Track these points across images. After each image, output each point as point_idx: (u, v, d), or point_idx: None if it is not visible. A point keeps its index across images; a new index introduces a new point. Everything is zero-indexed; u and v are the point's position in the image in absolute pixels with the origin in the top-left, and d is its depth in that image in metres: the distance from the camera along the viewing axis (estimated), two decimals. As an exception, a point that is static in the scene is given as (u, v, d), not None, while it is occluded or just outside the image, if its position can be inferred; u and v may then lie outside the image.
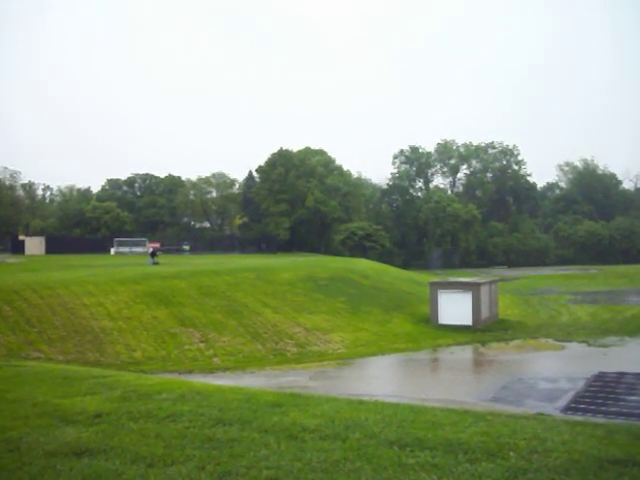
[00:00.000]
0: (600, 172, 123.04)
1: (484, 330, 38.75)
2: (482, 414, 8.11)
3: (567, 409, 19.37)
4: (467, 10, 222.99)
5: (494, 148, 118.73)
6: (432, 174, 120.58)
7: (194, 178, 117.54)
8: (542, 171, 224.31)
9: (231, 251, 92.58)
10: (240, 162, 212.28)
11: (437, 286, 42.21)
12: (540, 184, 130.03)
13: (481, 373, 28.74)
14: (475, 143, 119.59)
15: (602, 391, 21.87)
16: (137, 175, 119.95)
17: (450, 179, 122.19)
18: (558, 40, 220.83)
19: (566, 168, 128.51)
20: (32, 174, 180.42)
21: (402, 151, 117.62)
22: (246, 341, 31.27)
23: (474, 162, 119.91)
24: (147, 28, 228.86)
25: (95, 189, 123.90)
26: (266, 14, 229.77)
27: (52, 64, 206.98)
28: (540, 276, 79.12)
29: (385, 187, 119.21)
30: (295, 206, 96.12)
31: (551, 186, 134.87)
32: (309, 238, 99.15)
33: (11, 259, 62.32)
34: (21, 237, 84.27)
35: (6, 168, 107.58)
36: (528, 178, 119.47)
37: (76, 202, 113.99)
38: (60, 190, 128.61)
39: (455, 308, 39.88)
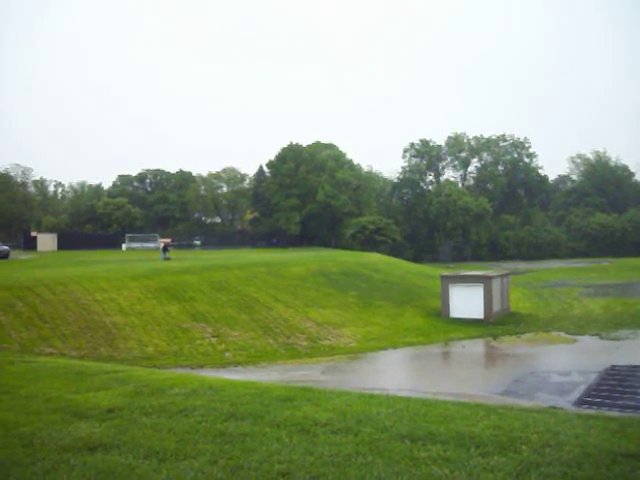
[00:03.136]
0: (612, 164, 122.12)
1: (496, 323, 38.64)
2: (494, 408, 8.09)
3: (579, 402, 19.31)
4: (477, 2, 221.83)
5: (505, 141, 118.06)
6: (443, 167, 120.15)
7: (205, 173, 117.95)
8: (554, 163, 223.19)
9: (242, 246, 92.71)
10: (250, 157, 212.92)
11: (448, 280, 42.12)
12: (552, 176, 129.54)
13: (493, 366, 28.67)
14: (486, 136, 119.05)
15: (614, 384, 21.78)
16: (148, 171, 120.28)
17: (461, 172, 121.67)
18: (569, 31, 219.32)
19: (578, 160, 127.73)
20: (43, 171, 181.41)
21: (412, 144, 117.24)
22: (258, 336, 31.33)
23: (485, 155, 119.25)
24: (157, 29, 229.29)
25: (106, 185, 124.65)
26: (275, 11, 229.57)
27: (63, 61, 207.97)
28: (552, 269, 78.72)
29: (396, 181, 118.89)
30: (306, 200, 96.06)
31: (563, 178, 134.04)
32: (320, 232, 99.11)
33: (23, 255, 62.67)
34: (33, 233, 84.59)
35: (17, 165, 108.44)
36: (540, 171, 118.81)
37: (87, 198, 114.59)
38: (71, 186, 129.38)
39: (466, 302, 39.81)
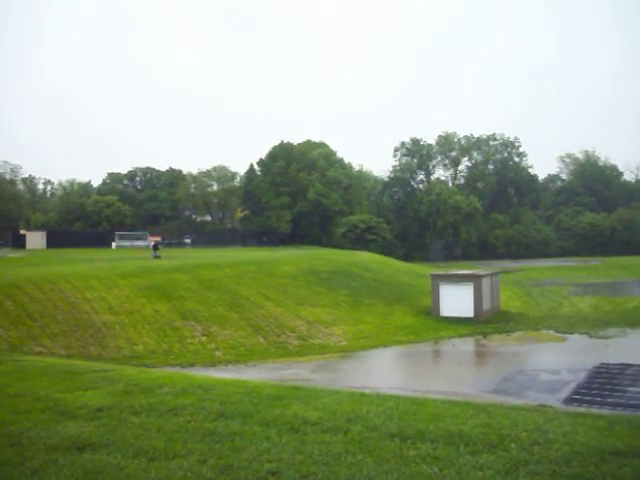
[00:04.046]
0: (601, 164, 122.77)
1: (485, 322, 38.77)
2: (483, 406, 8.12)
3: (568, 400, 19.41)
4: (468, 4, 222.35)
5: (495, 140, 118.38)
6: (433, 166, 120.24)
7: (195, 171, 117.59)
8: (543, 163, 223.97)
9: (233, 244, 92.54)
10: (241, 155, 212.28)
11: (439, 278, 42.22)
12: (541, 176, 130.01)
13: (482, 365, 28.77)
14: (476, 135, 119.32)
15: (603, 382, 21.90)
16: (138, 169, 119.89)
17: (451, 171, 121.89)
18: (559, 32, 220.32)
19: (567, 160, 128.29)
20: (33, 168, 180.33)
21: (403, 143, 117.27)
22: (248, 334, 31.31)
23: (475, 154, 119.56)
24: (148, 24, 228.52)
25: (96, 183, 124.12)
26: (267, 11, 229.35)
27: (53, 59, 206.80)
28: (541, 268, 79.07)
29: (386, 180, 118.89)
30: (296, 199, 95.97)
31: (552, 178, 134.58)
32: (311, 231, 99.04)
33: (12, 253, 62.33)
34: (22, 231, 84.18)
35: (6, 162, 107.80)
36: (529, 170, 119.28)
37: (77, 196, 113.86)
38: (61, 184, 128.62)
39: (457, 300, 39.91)
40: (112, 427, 6.69)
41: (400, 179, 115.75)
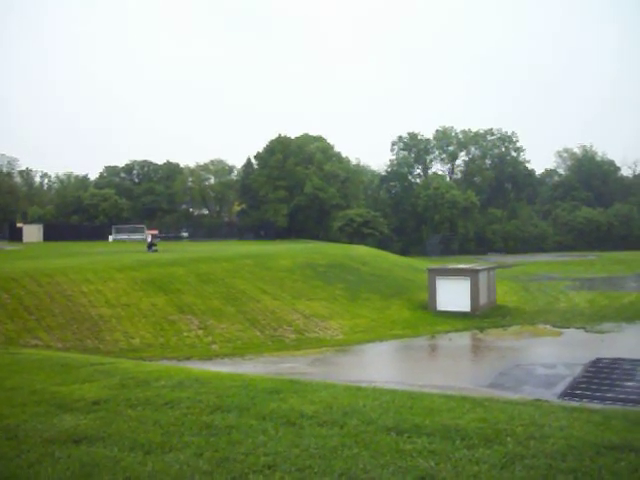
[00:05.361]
0: (598, 159, 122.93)
1: (482, 316, 38.81)
2: (480, 400, 8.13)
3: (564, 395, 19.45)
4: (467, 1, 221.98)
5: (493, 135, 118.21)
6: (431, 161, 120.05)
7: (192, 165, 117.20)
8: (541, 158, 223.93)
9: (230, 238, 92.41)
10: (238, 149, 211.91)
11: (435, 273, 42.22)
12: (539, 171, 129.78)
13: (479, 359, 28.82)
14: (474, 130, 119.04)
15: (599, 377, 21.96)
16: (135, 162, 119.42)
17: (449, 166, 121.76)
18: (557, 27, 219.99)
19: (565, 155, 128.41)
20: (30, 161, 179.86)
21: (401, 138, 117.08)
22: (245, 328, 31.31)
23: (473, 149, 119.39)
24: (146, 18, 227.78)
25: (93, 176, 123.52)
26: (266, 6, 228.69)
27: (51, 52, 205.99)
28: (538, 263, 79.11)
29: (384, 174, 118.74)
30: (293, 193, 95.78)
31: (550, 173, 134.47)
32: (308, 225, 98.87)
33: (9, 246, 62.18)
34: (19, 224, 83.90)
35: (3, 155, 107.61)
36: (527, 165, 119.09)
37: (74, 189, 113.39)
38: (58, 177, 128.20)
39: (453, 295, 39.93)
40: (108, 420, 6.69)
41: (397, 173, 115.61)
